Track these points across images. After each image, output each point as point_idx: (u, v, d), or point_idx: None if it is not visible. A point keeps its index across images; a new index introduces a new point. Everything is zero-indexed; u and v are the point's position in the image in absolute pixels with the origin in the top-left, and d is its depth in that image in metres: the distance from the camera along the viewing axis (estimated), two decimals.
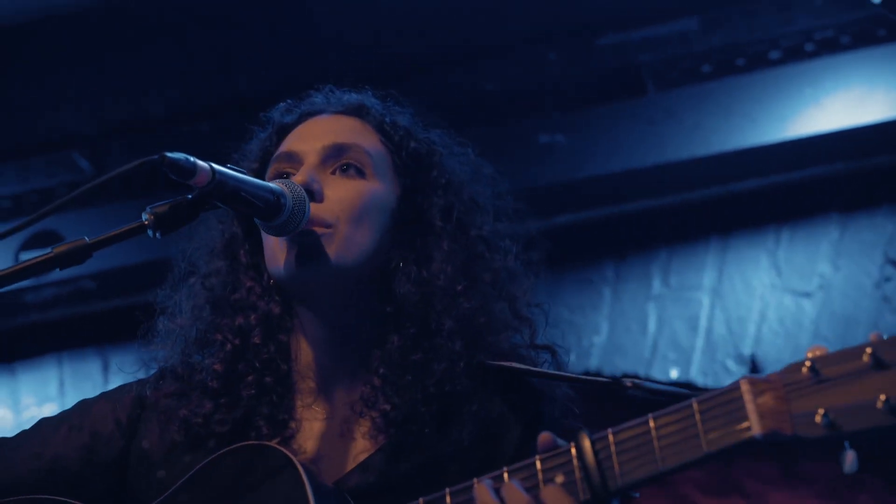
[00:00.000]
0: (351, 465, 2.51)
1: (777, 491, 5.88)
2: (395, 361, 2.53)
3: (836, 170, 5.36)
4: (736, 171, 5.39)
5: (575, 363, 5.56)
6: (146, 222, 2.32)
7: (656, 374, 5.43)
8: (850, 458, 1.82)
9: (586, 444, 2.01)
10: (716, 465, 6.29)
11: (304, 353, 2.62)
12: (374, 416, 2.51)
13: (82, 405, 2.72)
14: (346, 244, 2.50)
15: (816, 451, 5.72)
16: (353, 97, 2.76)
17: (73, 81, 6.03)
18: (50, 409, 6.24)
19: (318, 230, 2.49)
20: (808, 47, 5.29)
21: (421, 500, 2.18)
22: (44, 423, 2.71)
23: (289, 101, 2.80)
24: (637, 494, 2.08)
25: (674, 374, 5.44)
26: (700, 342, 5.42)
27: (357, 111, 2.72)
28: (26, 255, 6.26)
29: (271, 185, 2.42)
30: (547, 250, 2.81)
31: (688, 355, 5.43)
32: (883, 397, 1.78)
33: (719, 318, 5.39)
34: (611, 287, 5.61)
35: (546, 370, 2.60)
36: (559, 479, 2.02)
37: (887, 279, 5.35)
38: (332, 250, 2.49)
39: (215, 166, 2.32)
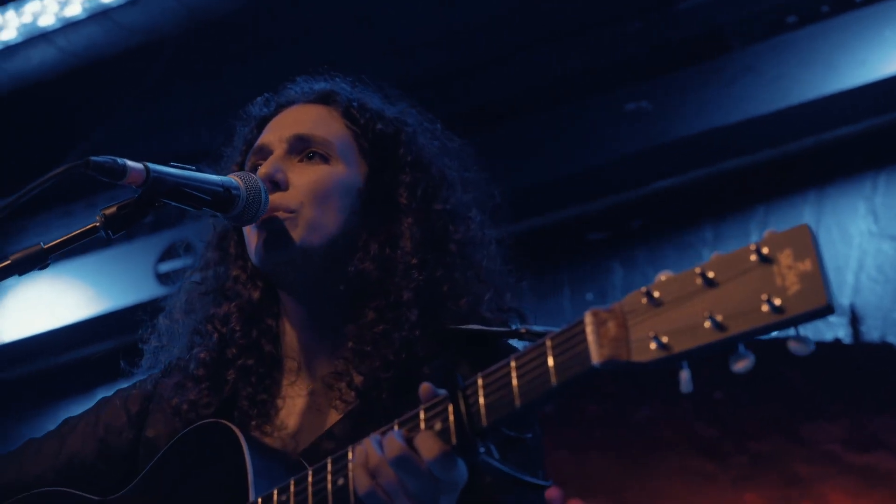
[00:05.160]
0: (320, 433, 2.62)
1: None
2: (361, 335, 2.63)
3: None
4: (825, 119, 5.30)
5: None
6: (97, 223, 2.42)
7: None
8: (684, 378, 1.82)
9: (457, 390, 2.06)
10: (861, 421, 6.16)
11: (289, 334, 2.75)
12: (341, 386, 2.62)
13: (100, 402, 2.91)
14: (310, 227, 2.63)
15: None
16: (322, 85, 2.87)
17: (198, 96, 6.37)
18: None
19: (282, 215, 2.61)
20: None
21: (329, 459, 2.27)
22: (65, 421, 2.92)
23: (266, 94, 2.92)
24: (530, 434, 2.18)
25: None
26: None
27: (324, 98, 2.83)
28: (165, 267, 6.63)
29: (220, 178, 2.52)
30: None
31: None
32: (707, 314, 1.78)
33: None
34: (710, 248, 5.58)
35: (500, 328, 2.63)
36: (437, 426, 2.08)
37: None
38: (297, 234, 2.61)
39: (151, 165, 2.40)
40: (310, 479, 2.27)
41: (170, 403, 2.73)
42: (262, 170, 2.67)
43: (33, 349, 7.03)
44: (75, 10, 5.50)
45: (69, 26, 5.55)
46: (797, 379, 5.95)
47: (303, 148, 2.72)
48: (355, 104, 2.81)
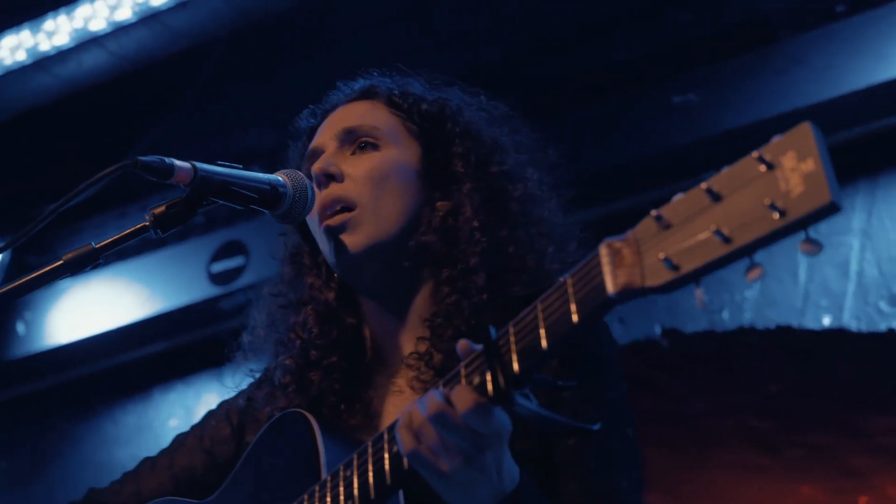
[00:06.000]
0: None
1: None
2: (434, 309, 2.68)
3: None
4: (875, 109, 5.25)
5: (728, 320, 5.54)
6: (147, 223, 2.46)
7: (809, 322, 5.32)
8: (698, 296, 1.80)
9: (489, 341, 2.06)
10: None
11: (369, 326, 2.80)
12: (420, 366, 2.65)
13: (206, 415, 3.00)
14: (375, 216, 2.68)
15: None
16: (360, 83, 2.93)
17: (248, 97, 6.42)
18: None
19: (346, 216, 2.67)
20: None
21: (385, 428, 2.30)
22: (177, 437, 3.00)
23: (310, 106, 2.97)
24: (562, 382, 2.11)
25: (826, 321, 5.33)
26: (852, 287, 5.30)
27: (366, 94, 2.88)
28: (217, 267, 6.69)
29: (267, 176, 2.56)
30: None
31: (839, 301, 5.31)
32: (714, 228, 1.74)
33: (870, 260, 5.26)
34: None
35: None
36: (476, 380, 2.08)
37: None
38: (368, 228, 2.67)
39: (198, 164, 2.45)
40: (370, 450, 2.31)
41: (263, 413, 2.79)
42: (315, 166, 2.72)
43: (89, 350, 7.10)
44: (126, 13, 5.55)
45: (120, 30, 5.60)
46: (852, 371, 5.92)
47: (353, 140, 2.77)
48: (396, 92, 2.86)
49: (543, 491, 2.34)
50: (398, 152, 2.77)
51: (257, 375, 2.89)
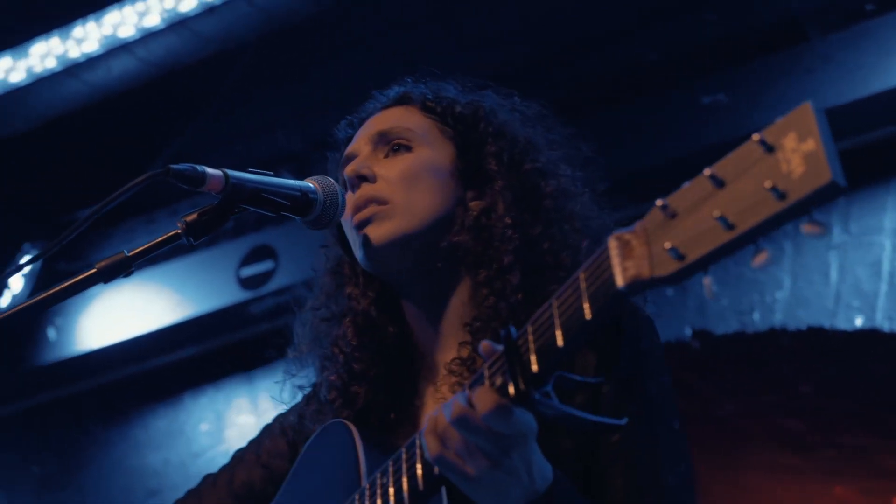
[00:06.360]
0: None
1: None
2: (476, 313, 2.65)
3: None
4: None
5: (759, 321, 5.52)
6: (179, 230, 2.46)
7: (840, 323, 5.30)
8: (706, 284, 1.78)
9: (510, 341, 2.04)
10: None
11: (414, 334, 2.77)
12: (462, 371, 2.61)
13: (262, 430, 2.98)
14: (405, 211, 2.65)
15: None
16: (394, 90, 2.92)
17: (279, 101, 6.44)
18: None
19: (375, 208, 2.65)
20: None
21: (417, 434, 2.29)
22: (236, 452, 2.99)
23: (348, 116, 2.96)
24: (586, 379, 2.09)
25: (858, 321, 5.30)
26: (884, 287, 5.26)
27: (400, 100, 2.87)
28: (247, 271, 6.71)
29: (298, 182, 2.56)
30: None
31: (872, 302, 5.28)
32: (718, 215, 1.72)
33: None
34: (791, 240, 5.53)
35: None
36: (498, 381, 2.07)
37: None
38: (394, 221, 2.65)
39: (230, 172, 2.44)
40: (403, 456, 2.31)
41: (312, 432, 2.77)
42: (347, 169, 2.72)
43: (119, 356, 7.13)
44: (154, 20, 5.58)
45: (148, 36, 5.63)
46: (885, 371, 5.89)
47: (386, 142, 2.75)
48: (430, 96, 2.85)
49: (590, 488, 2.34)
50: (431, 153, 2.75)
51: (307, 390, 2.87)
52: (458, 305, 2.70)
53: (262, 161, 6.36)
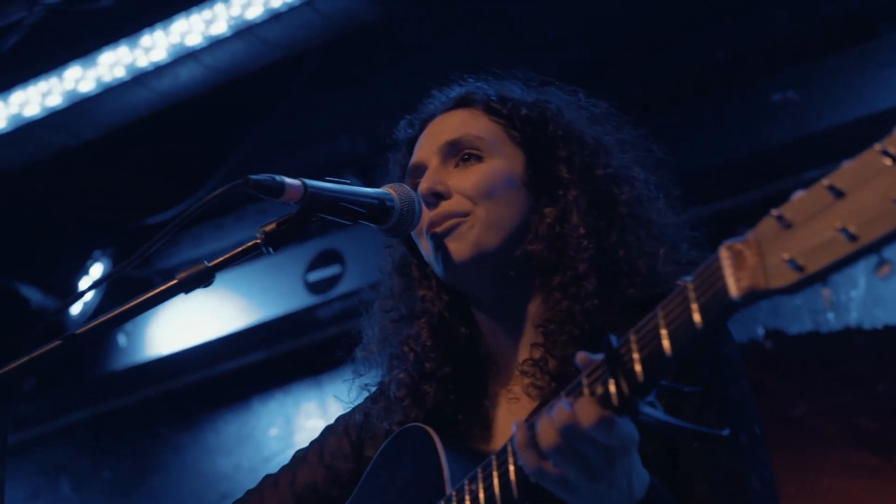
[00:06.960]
0: None
1: None
2: (549, 315, 2.64)
3: None
4: None
5: (833, 320, 5.44)
6: (258, 240, 2.48)
7: None
8: (826, 295, 1.76)
9: (611, 350, 2.02)
10: None
11: (485, 336, 2.77)
12: (535, 372, 2.62)
13: (324, 431, 2.99)
14: (486, 226, 2.65)
15: None
16: (456, 90, 2.89)
17: (343, 105, 6.46)
18: None
19: (456, 220, 2.65)
20: None
21: (508, 441, 2.27)
22: (297, 452, 3.00)
23: (407, 116, 2.94)
24: (687, 388, 2.08)
25: None
26: None
27: (463, 102, 2.85)
28: (314, 276, 6.72)
29: (375, 190, 2.57)
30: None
31: None
32: (839, 226, 1.68)
33: None
34: None
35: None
36: (599, 390, 2.04)
37: None
38: (474, 235, 2.64)
39: (308, 181, 2.46)
40: (494, 462, 2.28)
41: (381, 429, 2.79)
42: (422, 185, 2.70)
43: (189, 361, 7.19)
44: (221, 27, 5.60)
45: (215, 44, 5.66)
46: None
47: (456, 153, 2.74)
48: (494, 97, 2.82)
49: (673, 494, 2.30)
50: (503, 162, 2.73)
51: (372, 389, 2.88)
52: (531, 309, 2.70)
53: (326, 166, 6.45)
